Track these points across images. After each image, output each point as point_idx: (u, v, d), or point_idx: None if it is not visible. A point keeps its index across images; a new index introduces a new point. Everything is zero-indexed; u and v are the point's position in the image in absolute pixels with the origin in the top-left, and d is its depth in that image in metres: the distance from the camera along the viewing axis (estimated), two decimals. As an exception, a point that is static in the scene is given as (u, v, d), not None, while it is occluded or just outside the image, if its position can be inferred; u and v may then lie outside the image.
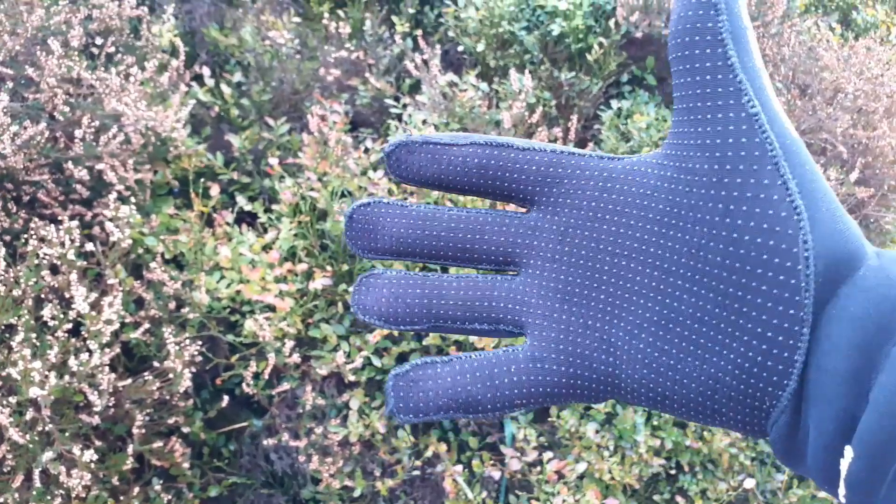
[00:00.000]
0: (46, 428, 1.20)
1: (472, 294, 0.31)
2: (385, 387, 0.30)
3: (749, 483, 1.46)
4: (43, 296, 1.30)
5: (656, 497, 1.48)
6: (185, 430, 1.39)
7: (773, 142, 0.25)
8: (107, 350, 1.25)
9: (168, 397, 1.36)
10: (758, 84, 0.26)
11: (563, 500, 1.37)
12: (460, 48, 1.93)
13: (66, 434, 1.23)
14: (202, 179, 1.56)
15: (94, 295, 1.25)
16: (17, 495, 1.17)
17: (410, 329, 0.31)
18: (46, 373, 1.15)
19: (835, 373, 0.23)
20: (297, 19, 1.84)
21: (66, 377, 1.20)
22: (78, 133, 1.36)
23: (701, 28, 0.26)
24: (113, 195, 1.32)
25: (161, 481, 1.37)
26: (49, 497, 1.19)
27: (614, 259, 0.29)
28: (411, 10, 2.00)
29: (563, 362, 0.29)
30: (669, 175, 0.28)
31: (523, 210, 0.32)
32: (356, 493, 1.42)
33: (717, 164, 0.26)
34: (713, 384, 0.26)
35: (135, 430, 1.29)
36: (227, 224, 1.49)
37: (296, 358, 1.38)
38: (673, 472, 1.49)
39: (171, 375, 1.33)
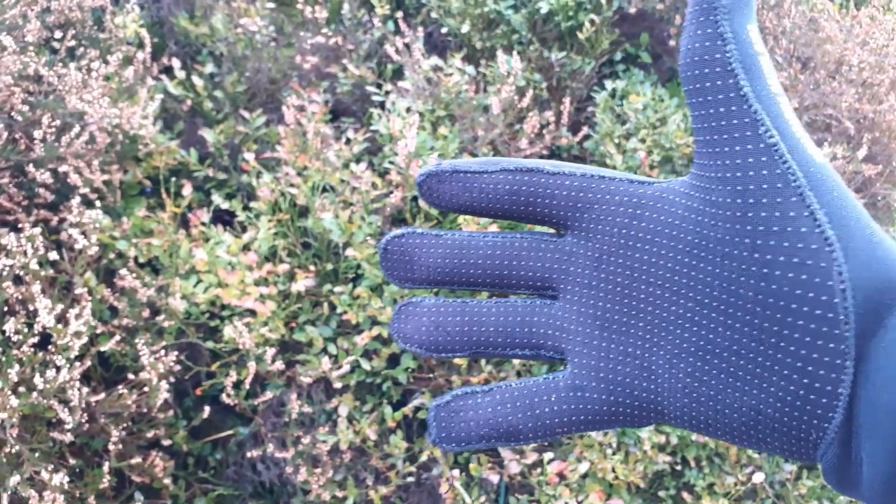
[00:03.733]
0: (14, 449, 1.13)
1: (512, 321, 0.31)
2: (427, 417, 0.31)
3: (758, 477, 1.41)
4: (7, 308, 1.23)
5: (661, 493, 1.42)
6: (166, 442, 1.32)
7: (795, 171, 0.25)
8: (77, 364, 1.18)
9: (146, 410, 1.29)
10: (775, 112, 0.26)
11: (566, 503, 1.31)
12: (444, 30, 1.85)
13: (37, 454, 1.16)
14: (175, 178, 1.48)
15: (60, 306, 1.17)
16: (-16, 523, 1.10)
17: (451, 357, 0.31)
18: (9, 392, 1.08)
19: (889, 408, 0.23)
20: (271, 4, 1.75)
21: (35, 394, 1.13)
22: (38, 133, 1.28)
23: (710, 60, 0.26)
24: (77, 199, 1.24)
25: (143, 497, 1.30)
26: (20, 523, 1.12)
27: (649, 287, 0.29)
28: (392, -9, 1.91)
29: (604, 390, 0.29)
30: (695, 207, 0.27)
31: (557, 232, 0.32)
32: (348, 503, 1.35)
33: (739, 199, 0.26)
34: (755, 415, 0.26)
35: (111, 446, 1.22)
36: (203, 224, 1.41)
37: (279, 365, 1.31)
38: (679, 467, 1.43)
39: (147, 388, 1.26)
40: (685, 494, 1.40)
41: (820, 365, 0.24)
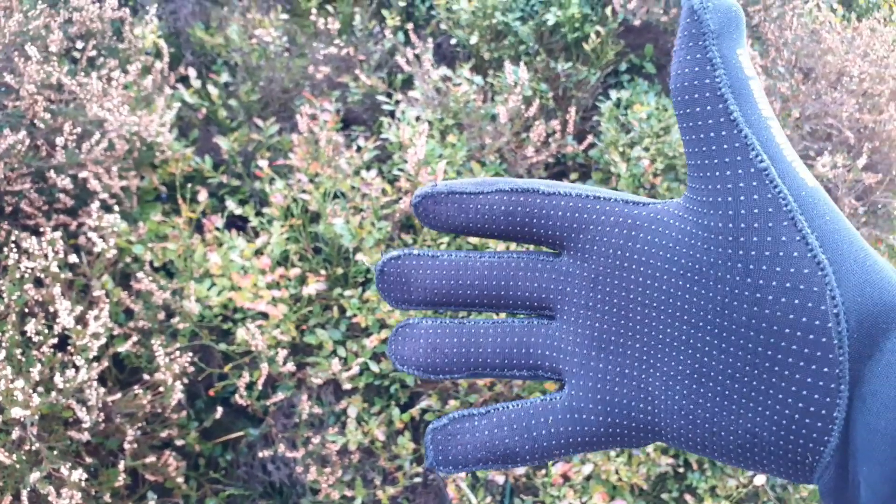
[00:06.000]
0: (34, 447, 1.16)
1: (509, 341, 0.31)
2: (424, 440, 0.31)
3: (760, 479, 1.43)
4: (28, 310, 1.27)
5: (664, 496, 1.44)
6: (179, 443, 1.35)
7: (786, 196, 0.25)
8: (95, 364, 1.21)
9: (160, 410, 1.32)
10: (765, 136, 0.26)
11: (570, 504, 1.33)
12: (453, 41, 1.88)
13: (55, 452, 1.20)
14: (191, 184, 1.52)
15: (79, 308, 1.21)
16: (5, 517, 1.13)
17: (449, 378, 0.31)
18: (31, 391, 1.11)
19: (885, 433, 0.23)
20: (285, 16, 1.79)
21: (54, 393, 1.16)
22: (59, 140, 1.32)
23: (699, 85, 0.26)
24: (96, 204, 1.28)
25: (156, 496, 1.33)
26: (39, 518, 1.16)
27: (645, 309, 0.29)
28: (402, 3, 1.95)
29: (601, 412, 0.29)
30: (689, 230, 0.27)
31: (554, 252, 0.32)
32: (357, 503, 1.38)
33: (731, 223, 0.26)
34: (751, 438, 0.26)
35: (126, 446, 1.25)
36: (217, 229, 1.45)
37: (290, 366, 1.34)
38: (681, 469, 1.45)
39: (161, 388, 1.29)
40: (687, 497, 1.42)
41: (814, 389, 0.24)
